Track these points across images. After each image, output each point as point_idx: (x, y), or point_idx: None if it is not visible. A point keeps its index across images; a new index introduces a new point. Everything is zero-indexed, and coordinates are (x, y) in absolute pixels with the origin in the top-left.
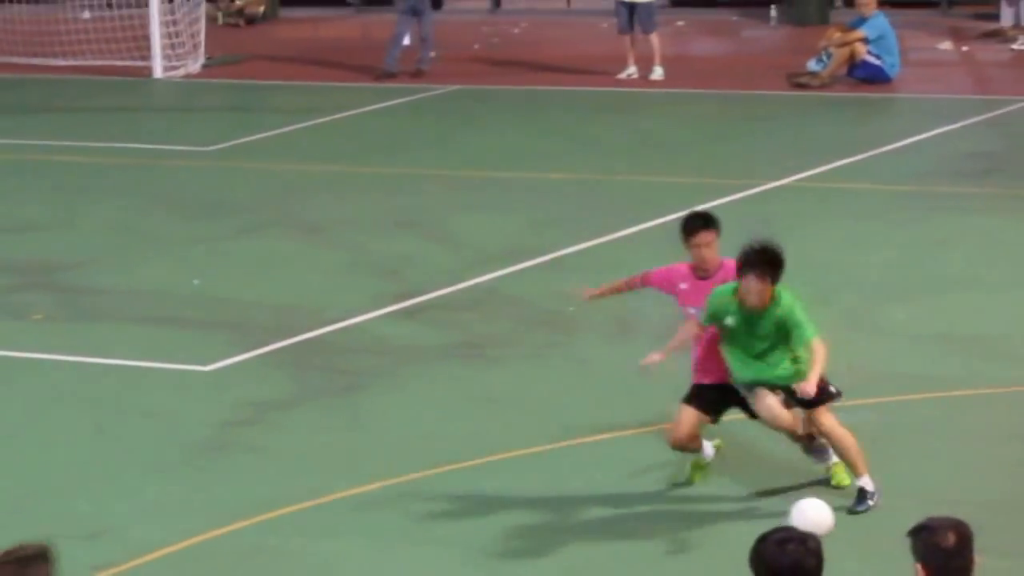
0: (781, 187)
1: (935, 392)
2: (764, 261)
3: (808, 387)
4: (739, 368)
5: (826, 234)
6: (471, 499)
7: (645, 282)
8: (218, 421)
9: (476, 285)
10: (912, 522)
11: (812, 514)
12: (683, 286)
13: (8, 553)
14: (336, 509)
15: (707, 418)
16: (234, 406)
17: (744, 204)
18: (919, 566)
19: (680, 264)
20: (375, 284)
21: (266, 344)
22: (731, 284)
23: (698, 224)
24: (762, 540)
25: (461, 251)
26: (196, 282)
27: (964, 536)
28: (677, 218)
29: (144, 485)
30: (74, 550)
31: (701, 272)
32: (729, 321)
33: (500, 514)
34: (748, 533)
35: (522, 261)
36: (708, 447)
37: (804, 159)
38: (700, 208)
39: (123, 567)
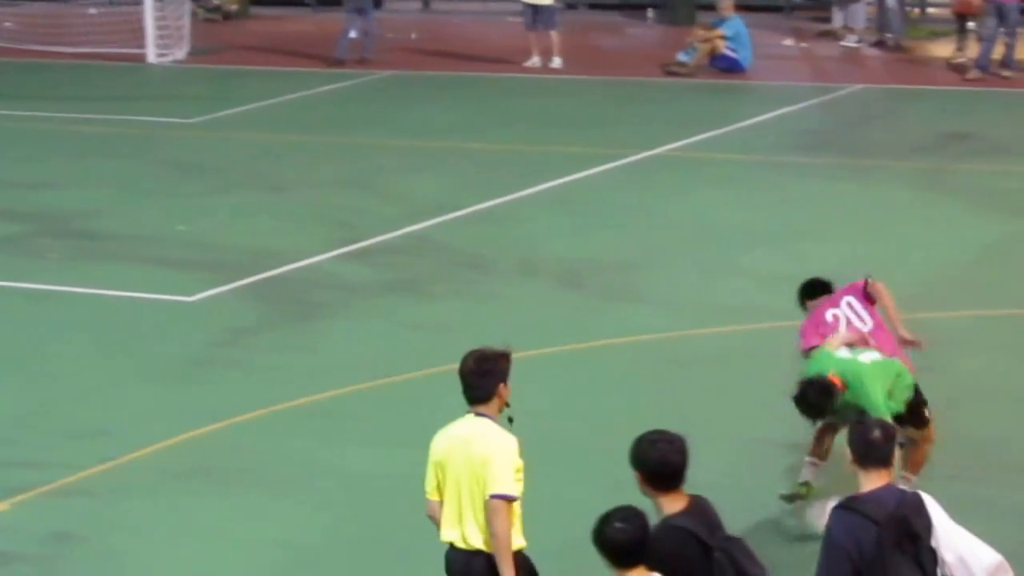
0: (656, 155)
1: (776, 322)
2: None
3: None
4: None
5: (692, 194)
6: (409, 405)
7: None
8: (201, 341)
9: (411, 233)
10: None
11: None
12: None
13: (474, 351)
14: (297, 414)
15: None
16: (213, 330)
17: (626, 169)
18: (848, 450)
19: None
20: (329, 232)
21: (240, 279)
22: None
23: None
24: (639, 440)
25: (399, 205)
26: (181, 228)
27: (888, 433)
28: (570, 181)
29: (139, 393)
30: (82, 446)
31: None
32: None
33: (435, 417)
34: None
35: (448, 213)
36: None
37: (674, 133)
38: None
39: (123, 459)
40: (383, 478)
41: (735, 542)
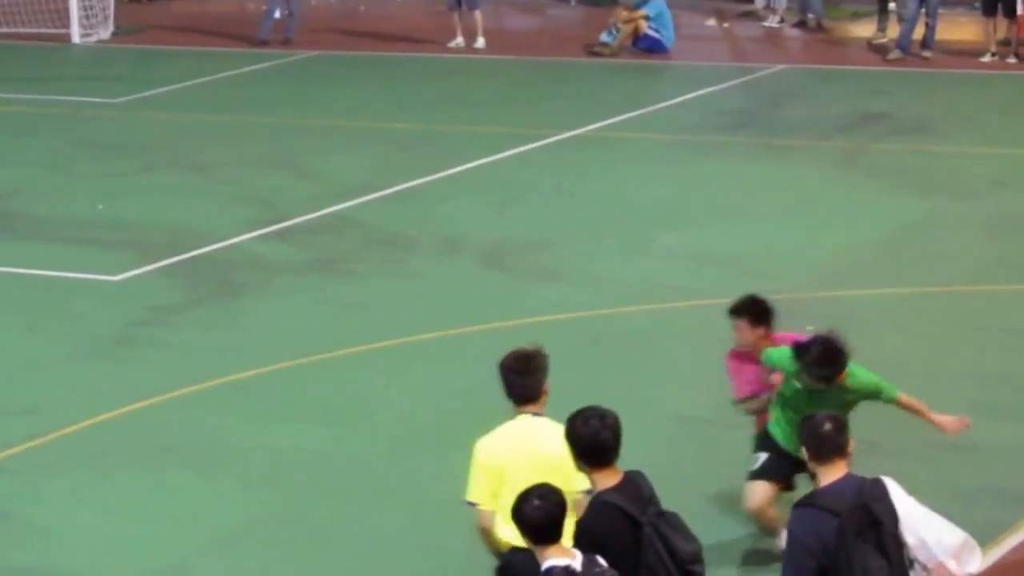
0: (578, 136)
1: (696, 300)
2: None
3: (948, 423)
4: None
5: (613, 174)
6: (332, 383)
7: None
8: (125, 321)
9: (333, 212)
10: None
11: None
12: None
13: (515, 352)
14: (221, 392)
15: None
16: (137, 309)
17: (547, 149)
18: (803, 448)
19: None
20: (251, 211)
21: (163, 259)
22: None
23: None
24: (572, 417)
25: (321, 185)
26: (100, 207)
27: (839, 424)
28: (493, 161)
29: (65, 372)
30: (10, 424)
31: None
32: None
33: (355, 394)
34: None
35: (370, 193)
36: None
37: (596, 113)
38: None
39: (50, 436)
40: (306, 455)
41: (666, 517)
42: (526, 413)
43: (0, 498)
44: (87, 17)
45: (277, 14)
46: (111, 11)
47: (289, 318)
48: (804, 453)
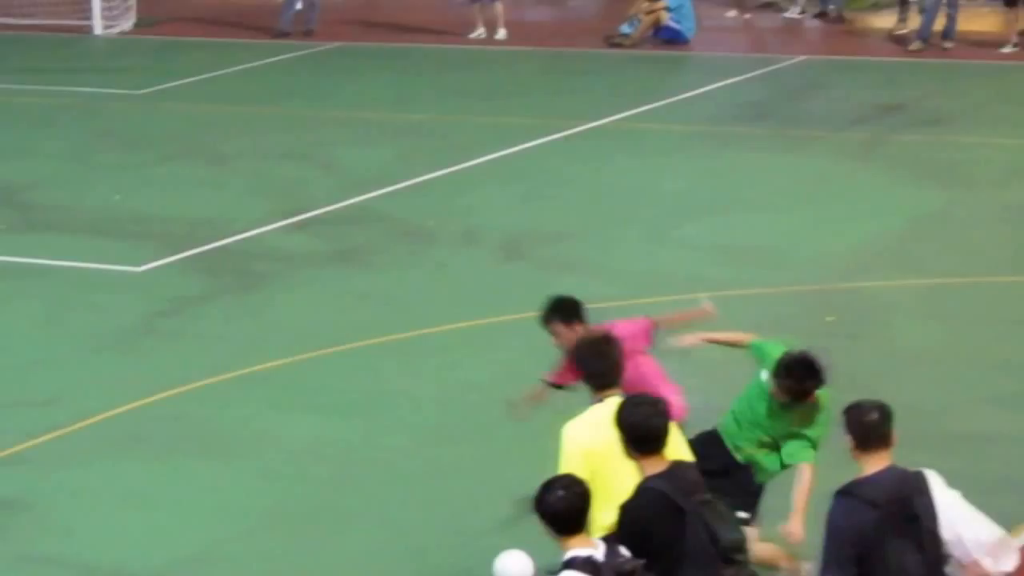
0: (598, 127)
1: (714, 292)
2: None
3: (795, 529)
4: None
5: (633, 165)
6: (351, 375)
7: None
8: (147, 312)
9: (354, 204)
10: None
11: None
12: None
13: (592, 339)
14: (243, 383)
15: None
16: (159, 300)
17: (568, 140)
18: (848, 437)
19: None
20: (273, 203)
21: (185, 250)
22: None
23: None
24: (623, 404)
25: (342, 176)
26: (117, 197)
27: (885, 413)
28: (513, 153)
29: (87, 363)
30: (32, 415)
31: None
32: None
33: (376, 385)
34: None
35: (390, 185)
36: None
37: (617, 105)
38: None
39: (72, 427)
40: (326, 446)
41: (711, 505)
42: (610, 397)
43: (22, 488)
44: (109, 8)
45: (299, 5)
46: (133, 2)
47: (310, 309)
48: (847, 441)
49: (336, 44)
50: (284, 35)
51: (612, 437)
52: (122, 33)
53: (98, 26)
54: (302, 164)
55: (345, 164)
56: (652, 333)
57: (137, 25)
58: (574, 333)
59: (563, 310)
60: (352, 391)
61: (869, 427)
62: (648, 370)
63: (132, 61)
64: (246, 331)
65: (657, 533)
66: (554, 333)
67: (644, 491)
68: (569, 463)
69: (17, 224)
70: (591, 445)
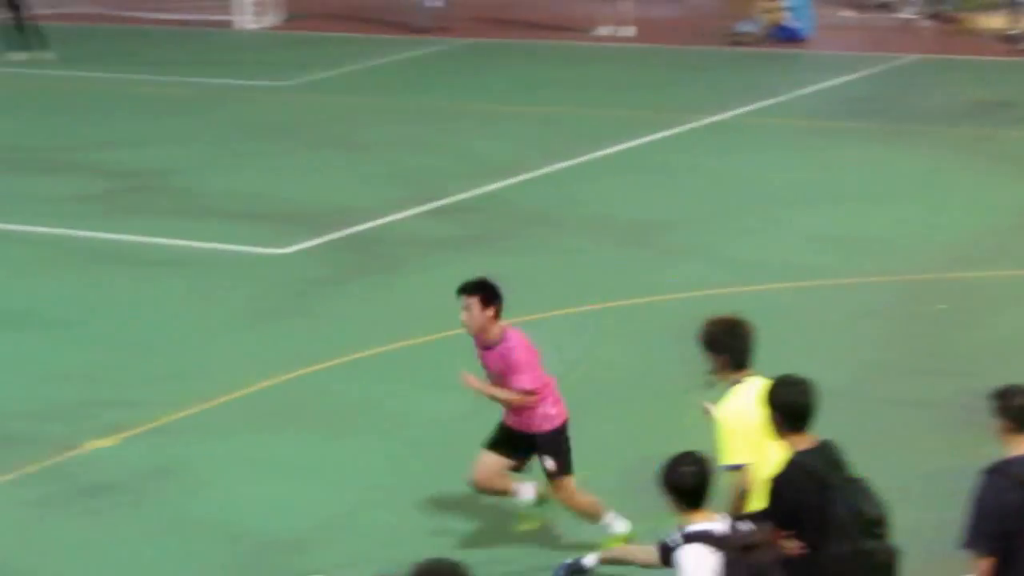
0: (719, 121)
1: (826, 279)
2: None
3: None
4: None
5: (751, 157)
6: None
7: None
8: (291, 292)
9: (485, 192)
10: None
11: None
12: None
13: (736, 320)
14: (380, 360)
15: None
16: (303, 281)
17: (689, 134)
18: (1000, 419)
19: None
20: (409, 190)
21: (327, 234)
22: None
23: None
24: (775, 383)
25: (474, 166)
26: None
27: None
28: (637, 145)
29: (233, 339)
30: (181, 387)
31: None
32: None
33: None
34: None
35: (519, 174)
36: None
37: (737, 99)
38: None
39: (216, 401)
40: (455, 421)
41: (855, 482)
42: (748, 377)
43: (171, 456)
44: (256, 4)
45: (439, 2)
46: None
47: (443, 291)
48: (998, 424)
49: (470, 40)
50: (423, 31)
51: (759, 416)
52: (268, 28)
53: (245, 20)
54: (437, 154)
55: (477, 154)
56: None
57: (282, 20)
58: (483, 317)
59: (487, 291)
60: (481, 369)
61: (1022, 408)
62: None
63: (278, 55)
64: (383, 311)
65: (804, 505)
66: (466, 307)
67: (794, 465)
68: (732, 441)
69: (168, 208)
70: (749, 421)
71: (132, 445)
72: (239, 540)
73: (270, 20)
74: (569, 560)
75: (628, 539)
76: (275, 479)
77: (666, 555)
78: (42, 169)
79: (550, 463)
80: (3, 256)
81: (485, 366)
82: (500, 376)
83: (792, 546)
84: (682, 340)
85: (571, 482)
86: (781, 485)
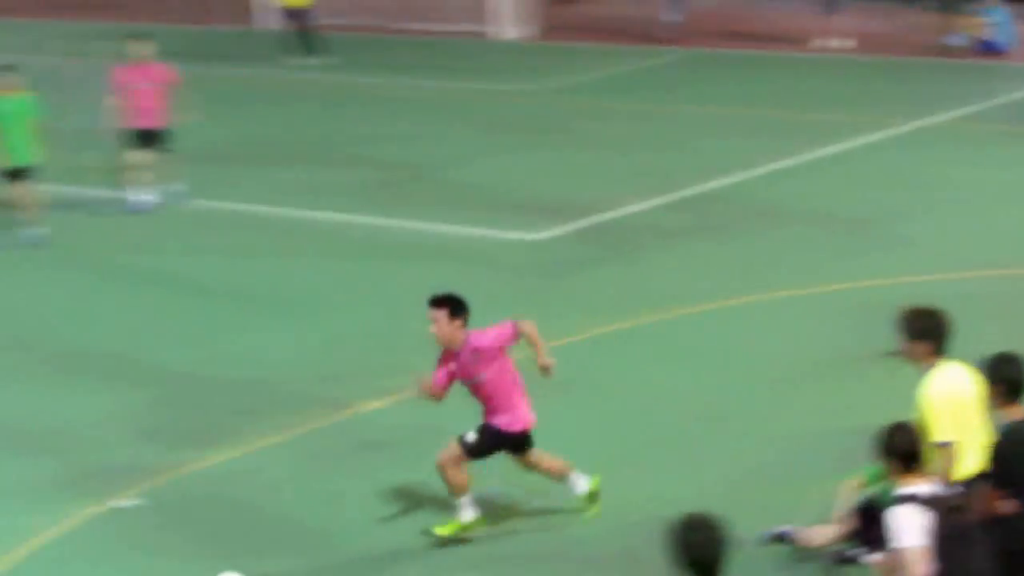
0: (927, 125)
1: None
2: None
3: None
4: None
5: (959, 158)
6: (713, 329)
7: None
8: (543, 273)
9: (715, 187)
10: None
11: None
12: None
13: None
14: (621, 334)
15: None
16: (553, 263)
17: (902, 136)
18: None
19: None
20: (648, 184)
21: (575, 222)
22: None
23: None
24: (992, 359)
25: (706, 163)
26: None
27: None
28: (852, 146)
29: (496, 313)
30: None
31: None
32: None
33: (734, 338)
34: None
35: (748, 171)
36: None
37: (944, 105)
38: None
39: None
40: (684, 390)
41: None
42: (943, 362)
43: (434, 417)
44: (515, 16)
45: (678, 16)
46: (535, 11)
47: (679, 274)
48: None
49: (704, 50)
50: (664, 41)
51: (964, 392)
52: (525, 38)
53: (502, 32)
54: (673, 151)
55: (709, 152)
56: (514, 337)
57: (537, 31)
58: (451, 328)
59: (454, 305)
60: (712, 344)
61: None
62: (510, 377)
63: (533, 61)
64: (625, 291)
65: (1021, 468)
66: (435, 320)
67: (1012, 429)
68: (941, 420)
69: (433, 198)
70: (954, 399)
71: (401, 407)
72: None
73: (524, 31)
74: (779, 529)
75: (593, 492)
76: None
77: (868, 518)
78: (323, 162)
79: (471, 436)
80: (292, 240)
81: (460, 375)
82: (475, 370)
83: (1008, 505)
84: (888, 323)
85: (453, 457)
86: (1001, 449)
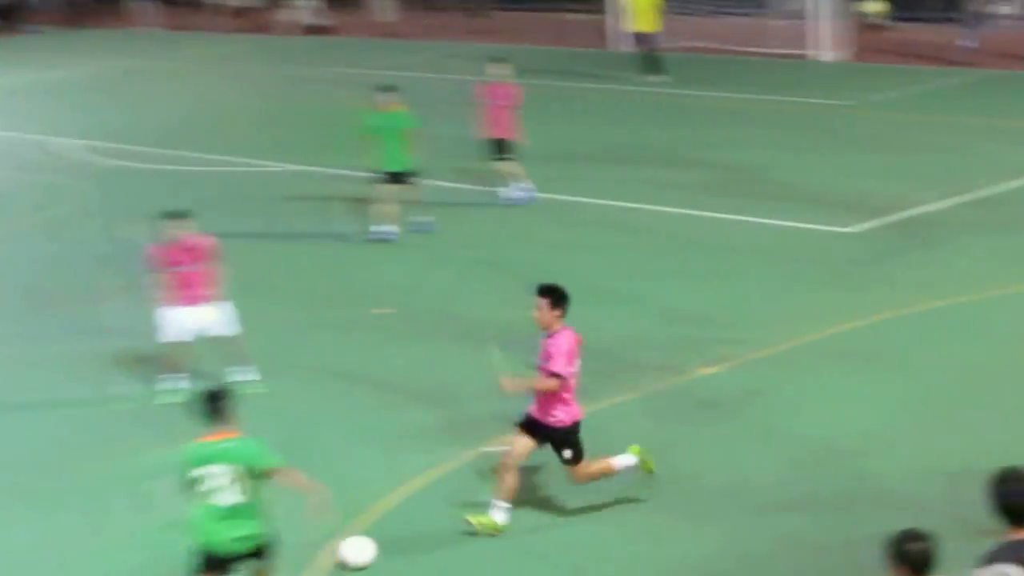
0: None
1: None
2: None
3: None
4: None
5: None
6: (1004, 313)
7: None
8: (854, 260)
9: (1008, 188)
10: None
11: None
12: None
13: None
14: (919, 315)
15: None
16: (864, 252)
17: None
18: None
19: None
20: (944, 185)
21: (883, 217)
22: None
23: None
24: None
25: (998, 167)
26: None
27: None
28: None
29: (808, 296)
30: (767, 332)
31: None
32: None
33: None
34: None
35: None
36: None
37: None
38: None
39: (791, 343)
40: (974, 365)
41: None
42: None
43: (762, 382)
44: (833, 40)
45: (973, 43)
46: (850, 34)
47: (976, 262)
48: None
49: (996, 71)
50: (960, 64)
51: None
52: (842, 59)
53: (820, 55)
54: (967, 157)
55: (998, 158)
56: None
57: (852, 52)
58: (551, 316)
59: (556, 296)
60: (998, 326)
61: None
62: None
63: (847, 80)
64: (925, 277)
65: None
66: (538, 307)
67: None
68: None
69: (749, 194)
70: None
71: (734, 373)
72: (811, 444)
73: (840, 54)
74: None
75: (641, 458)
76: (839, 402)
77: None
78: (668, 163)
79: (568, 453)
80: (632, 234)
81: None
82: (541, 361)
83: None
84: None
85: (584, 465)
86: None
